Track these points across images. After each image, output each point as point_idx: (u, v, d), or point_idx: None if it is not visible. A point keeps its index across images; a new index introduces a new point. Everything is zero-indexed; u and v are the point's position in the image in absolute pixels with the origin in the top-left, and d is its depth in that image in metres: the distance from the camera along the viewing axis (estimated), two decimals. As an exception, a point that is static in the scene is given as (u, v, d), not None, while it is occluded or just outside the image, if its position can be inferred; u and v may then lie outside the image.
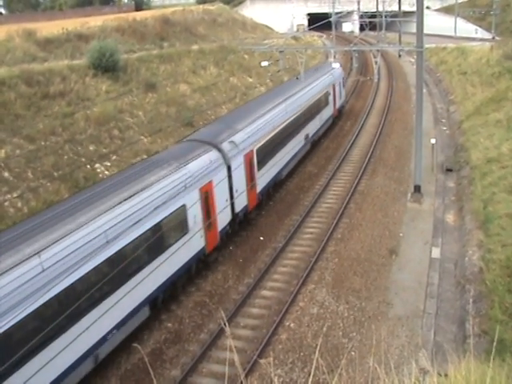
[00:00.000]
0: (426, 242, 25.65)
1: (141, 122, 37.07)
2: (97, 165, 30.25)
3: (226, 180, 24.98)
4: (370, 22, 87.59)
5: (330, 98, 45.37)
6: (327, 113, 44.65)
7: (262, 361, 17.37)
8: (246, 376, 16.65)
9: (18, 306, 13.87)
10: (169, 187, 20.43)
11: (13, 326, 13.80)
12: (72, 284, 15.55)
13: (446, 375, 7.98)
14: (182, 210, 21.14)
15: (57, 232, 15.95)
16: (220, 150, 24.85)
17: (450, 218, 28.28)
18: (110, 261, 16.97)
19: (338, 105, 48.68)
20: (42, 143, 29.39)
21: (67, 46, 44.78)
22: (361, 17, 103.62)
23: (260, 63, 41.16)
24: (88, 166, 29.58)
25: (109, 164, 30.94)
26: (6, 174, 25.96)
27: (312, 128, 39.60)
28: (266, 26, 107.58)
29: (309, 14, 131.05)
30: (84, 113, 33.55)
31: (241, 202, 26.57)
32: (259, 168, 28.82)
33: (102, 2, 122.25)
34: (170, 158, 22.55)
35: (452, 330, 18.88)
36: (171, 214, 20.33)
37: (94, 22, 54.90)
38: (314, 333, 19.24)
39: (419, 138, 30.53)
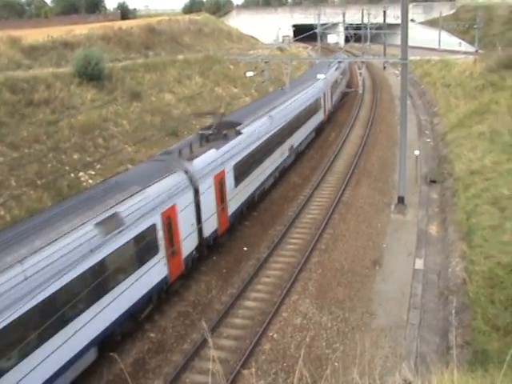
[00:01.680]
0: (410, 253, 25.72)
1: (125, 131, 37.00)
2: (81, 173, 30.10)
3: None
4: (355, 33, 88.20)
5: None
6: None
7: (245, 371, 17.31)
8: (229, 387, 16.55)
9: None
10: (335, 73, 50.42)
11: None
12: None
13: (429, 386, 7.99)
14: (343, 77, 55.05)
15: None
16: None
17: (434, 229, 28.41)
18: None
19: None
20: (26, 151, 29.23)
21: (52, 54, 44.67)
22: (346, 28, 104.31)
23: (245, 73, 41.33)
24: (72, 175, 29.44)
25: (93, 173, 30.81)
26: (-11, 182, 25.79)
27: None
28: (252, 37, 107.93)
29: (294, 26, 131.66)
30: (68, 121, 33.42)
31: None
32: None
33: (88, 10, 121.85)
34: (323, 66, 51.81)
35: (435, 341, 18.93)
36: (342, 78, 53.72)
37: (80, 30, 54.79)
38: (298, 343, 19.20)
39: (403, 150, 30.65)
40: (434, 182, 34.92)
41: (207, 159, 24.32)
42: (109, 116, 37.24)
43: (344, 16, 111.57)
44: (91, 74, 39.45)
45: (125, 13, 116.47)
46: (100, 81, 40.42)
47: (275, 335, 19.78)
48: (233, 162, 26.59)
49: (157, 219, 19.81)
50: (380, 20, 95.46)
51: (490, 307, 19.06)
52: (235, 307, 21.73)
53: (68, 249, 15.85)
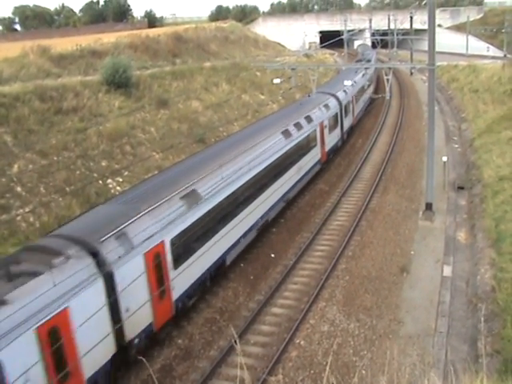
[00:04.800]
0: (438, 260, 25.52)
1: (153, 138, 37.24)
2: (109, 180, 30.37)
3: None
4: (382, 39, 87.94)
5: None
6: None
7: (271, 378, 17.29)
8: (256, 394, 16.55)
9: None
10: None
11: None
12: None
13: (458, 395, 7.92)
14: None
15: None
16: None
17: (462, 236, 28.16)
18: None
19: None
20: (55, 158, 29.57)
21: (81, 62, 45.11)
22: (372, 34, 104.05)
23: (272, 80, 41.32)
24: (100, 182, 29.71)
25: (121, 180, 31.06)
26: (19, 189, 26.11)
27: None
28: (278, 44, 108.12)
29: (321, 32, 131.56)
30: (96, 128, 33.74)
31: None
32: None
33: (116, 18, 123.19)
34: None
35: (464, 349, 18.74)
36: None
37: (108, 38, 55.35)
38: (325, 351, 19.13)
39: (431, 156, 30.41)
40: (462, 188, 34.61)
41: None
42: (136, 123, 37.52)
43: (370, 22, 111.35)
44: (119, 82, 39.77)
45: (152, 21, 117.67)
46: (128, 88, 40.76)
47: (302, 342, 19.74)
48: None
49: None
50: (406, 26, 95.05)
51: (519, 315, 18.84)
52: (262, 314, 21.75)
53: None
